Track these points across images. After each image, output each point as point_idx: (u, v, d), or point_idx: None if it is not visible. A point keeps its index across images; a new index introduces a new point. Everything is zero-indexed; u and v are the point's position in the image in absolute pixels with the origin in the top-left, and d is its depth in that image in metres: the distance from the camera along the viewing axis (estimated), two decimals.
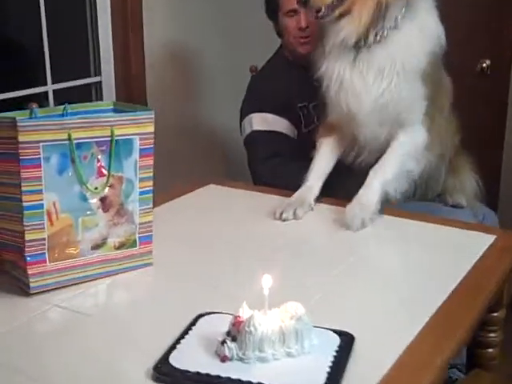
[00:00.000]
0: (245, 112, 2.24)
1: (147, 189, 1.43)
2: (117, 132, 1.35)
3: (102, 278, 1.39)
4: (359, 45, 1.71)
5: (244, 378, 1.02)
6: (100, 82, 2.62)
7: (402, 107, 1.76)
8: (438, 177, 2.07)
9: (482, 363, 1.59)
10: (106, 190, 1.36)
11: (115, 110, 1.48)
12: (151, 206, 1.45)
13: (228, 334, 1.07)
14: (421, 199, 2.07)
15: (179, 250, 1.56)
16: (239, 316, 1.07)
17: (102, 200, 1.36)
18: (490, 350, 1.57)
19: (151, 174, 1.43)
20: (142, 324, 1.23)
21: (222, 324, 1.11)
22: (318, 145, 1.92)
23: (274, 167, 2.12)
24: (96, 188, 1.35)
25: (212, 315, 1.21)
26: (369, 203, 1.71)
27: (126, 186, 1.39)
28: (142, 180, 1.41)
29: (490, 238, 1.62)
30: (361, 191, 1.74)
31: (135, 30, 2.59)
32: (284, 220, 1.73)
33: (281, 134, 2.17)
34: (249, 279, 1.23)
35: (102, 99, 2.59)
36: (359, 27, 1.68)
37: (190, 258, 1.51)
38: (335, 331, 1.15)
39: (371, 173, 1.76)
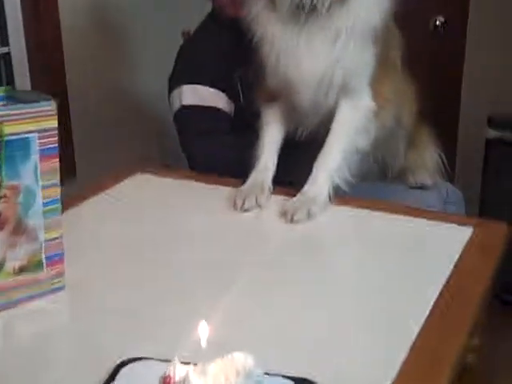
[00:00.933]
0: (173, 84, 1.94)
1: (53, 198, 1.14)
2: (8, 130, 1.06)
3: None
4: (317, 7, 1.46)
5: None
6: (8, 54, 2.28)
7: (350, 73, 1.54)
8: (396, 151, 1.86)
9: None
10: None
11: (8, 99, 1.18)
12: (59, 217, 1.16)
13: None
14: (380, 179, 1.86)
15: (100, 266, 1.29)
16: (169, 376, 0.81)
17: None
18: None
19: (57, 180, 1.15)
20: (47, 374, 0.97)
21: (149, 376, 0.85)
22: (262, 116, 1.69)
23: (208, 147, 1.85)
24: None
25: (136, 363, 0.94)
26: (316, 195, 1.51)
27: (24, 196, 1.10)
28: (45, 188, 1.13)
29: (466, 232, 1.40)
30: (306, 187, 1.53)
31: None
32: (246, 210, 1.51)
33: (215, 109, 1.89)
34: (186, 308, 1.05)
35: (12, 73, 2.26)
36: None
37: (114, 278, 1.24)
38: (293, 379, 0.90)
39: (315, 166, 1.56)
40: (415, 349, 1.01)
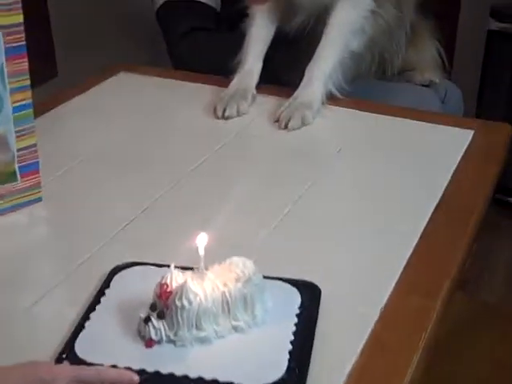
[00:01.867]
0: None
1: (24, 102, 1.04)
2: None
3: None
4: None
5: (178, 372, 0.73)
6: None
7: None
8: (397, 48, 1.73)
9: None
10: None
11: None
12: (32, 123, 1.07)
13: (153, 307, 0.77)
14: (378, 76, 1.75)
15: (82, 172, 1.21)
16: (166, 284, 0.76)
17: None
18: None
19: (28, 82, 1.04)
20: (34, 289, 0.91)
21: (146, 283, 0.80)
22: (250, 14, 1.55)
23: (194, 44, 1.73)
24: None
25: (132, 269, 0.90)
26: (310, 100, 1.42)
27: None
28: (14, 91, 1.02)
29: (467, 135, 1.32)
30: (299, 90, 1.44)
31: None
32: (227, 118, 1.41)
33: (199, 3, 1.75)
34: (180, 215, 1.01)
35: None
36: None
37: (98, 185, 1.16)
38: (293, 283, 0.86)
39: (307, 70, 1.45)
40: (416, 250, 0.97)
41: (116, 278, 0.89)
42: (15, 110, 1.04)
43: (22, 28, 1.00)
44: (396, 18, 1.61)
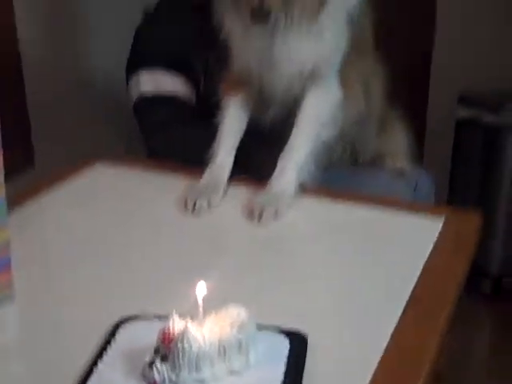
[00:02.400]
0: (131, 69, 1.85)
1: None
2: None
3: None
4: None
5: None
6: None
7: (322, 59, 1.48)
8: (368, 137, 1.78)
9: None
10: None
11: None
12: (5, 220, 1.07)
13: (156, 352, 0.86)
14: (350, 165, 1.79)
15: (56, 269, 1.21)
16: (168, 330, 0.85)
17: None
18: None
19: (1, 178, 1.05)
20: None
21: (147, 334, 0.89)
22: (222, 106, 1.59)
23: (169, 137, 1.76)
24: None
25: (135, 321, 0.98)
26: (282, 192, 1.44)
27: None
28: None
29: (438, 222, 1.35)
30: (271, 182, 1.46)
31: None
32: (198, 211, 1.41)
33: (175, 97, 1.81)
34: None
35: None
36: (312, 12, 1.38)
37: (72, 281, 1.16)
38: (282, 331, 0.95)
39: (279, 162, 1.48)
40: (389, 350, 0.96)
41: (122, 328, 0.97)
42: None
43: None
44: (365, 108, 1.66)
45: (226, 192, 1.48)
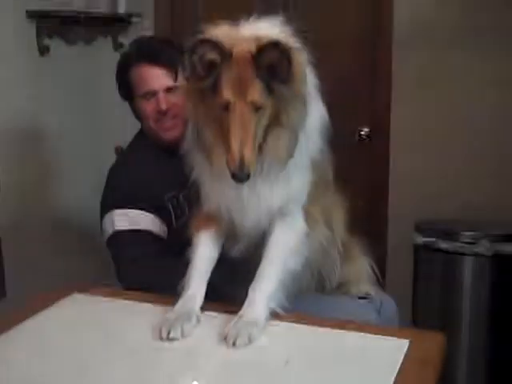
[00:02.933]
0: (104, 209, 1.94)
1: None
2: None
3: None
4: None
5: None
6: None
7: (288, 200, 1.58)
8: (333, 264, 1.86)
9: None
10: None
11: None
12: None
13: None
14: (319, 291, 1.86)
15: None
16: None
17: None
18: None
19: None
20: None
21: None
22: (194, 241, 1.65)
23: (142, 273, 1.82)
24: None
25: None
26: (254, 319, 1.49)
27: None
28: None
29: (403, 345, 1.41)
30: (243, 310, 1.51)
31: None
32: (171, 339, 1.44)
33: (147, 233, 1.89)
34: None
35: None
36: (280, 162, 1.48)
37: None
38: None
39: (250, 291, 1.53)
40: None
41: None
42: None
43: None
44: (328, 237, 1.75)
45: (199, 320, 1.52)
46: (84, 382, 1.27)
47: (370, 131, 3.08)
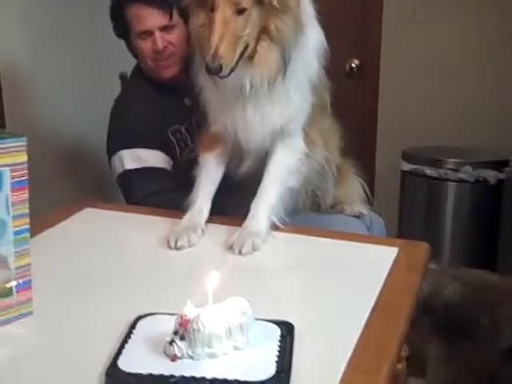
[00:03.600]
0: (112, 148, 2.01)
1: (23, 227, 1.22)
2: None
3: None
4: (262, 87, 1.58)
5: (197, 375, 1.02)
6: None
7: (290, 120, 1.67)
8: (327, 186, 1.99)
9: None
10: None
11: None
12: (28, 246, 1.24)
13: (175, 333, 1.07)
14: (314, 210, 1.99)
15: (64, 291, 1.36)
16: (185, 315, 1.06)
17: None
18: None
19: (27, 210, 1.22)
20: None
21: (162, 325, 1.12)
22: (200, 161, 1.77)
23: (155, 205, 1.89)
24: None
25: (151, 317, 1.19)
26: (257, 230, 1.61)
27: None
28: (16, 218, 1.20)
29: (393, 251, 1.56)
30: (247, 222, 1.63)
31: None
32: (179, 248, 1.57)
33: (156, 169, 1.98)
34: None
35: None
36: (270, 76, 1.56)
37: (79, 301, 1.32)
38: (274, 321, 1.17)
39: (253, 205, 1.65)
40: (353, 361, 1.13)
41: (140, 323, 1.17)
42: (15, 233, 1.21)
43: (25, 165, 1.20)
44: (326, 159, 1.87)
45: (203, 233, 1.65)
46: (97, 287, 1.39)
47: (360, 64, 3.17)
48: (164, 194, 1.94)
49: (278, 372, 1.03)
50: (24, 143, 1.19)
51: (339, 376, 1.06)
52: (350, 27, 3.13)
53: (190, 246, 1.58)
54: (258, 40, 1.52)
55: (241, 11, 1.47)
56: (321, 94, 1.78)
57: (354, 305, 1.31)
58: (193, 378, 1.01)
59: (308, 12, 1.61)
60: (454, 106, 3.08)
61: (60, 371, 1.08)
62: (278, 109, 1.63)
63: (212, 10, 1.49)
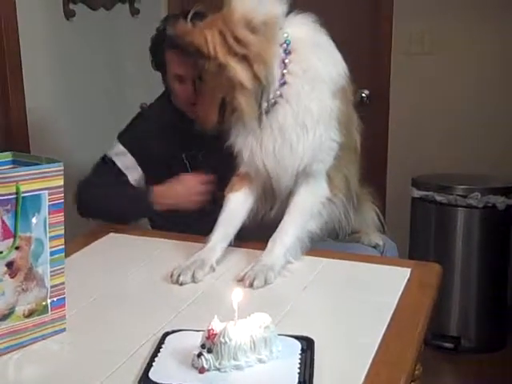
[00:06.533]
0: (120, 137, 2.07)
1: (59, 248, 1.30)
2: (23, 188, 1.21)
3: (9, 352, 1.24)
4: (260, 117, 1.64)
5: None
6: None
7: (315, 156, 1.68)
8: (347, 218, 1.96)
9: None
10: (13, 253, 1.22)
11: (15, 163, 1.34)
12: (63, 265, 1.32)
13: (203, 346, 1.13)
14: (332, 238, 2.01)
15: (93, 309, 1.44)
16: (212, 329, 1.13)
17: (9, 265, 1.22)
18: None
19: (62, 232, 1.30)
20: None
21: (189, 340, 1.19)
22: (225, 200, 1.78)
23: (94, 194, 1.95)
24: (1, 252, 1.20)
25: (178, 333, 1.27)
26: (272, 264, 1.61)
27: (35, 246, 1.25)
28: (52, 239, 1.28)
29: (406, 272, 1.62)
30: (262, 256, 1.63)
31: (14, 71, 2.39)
32: (181, 284, 1.56)
33: (124, 177, 2.02)
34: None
35: None
36: (250, 113, 1.62)
37: (107, 319, 1.40)
38: (295, 337, 1.24)
39: (270, 241, 1.66)
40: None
41: (167, 338, 1.25)
42: (52, 253, 1.28)
43: (62, 189, 1.28)
44: (346, 197, 1.86)
45: (214, 269, 1.63)
46: (124, 306, 1.47)
47: (370, 93, 3.26)
48: (109, 187, 1.96)
49: (299, 382, 1.10)
50: (61, 168, 1.27)
51: None
52: (361, 58, 3.21)
53: (194, 282, 1.57)
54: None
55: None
56: (350, 134, 1.78)
57: (370, 322, 1.38)
58: None
59: (303, 46, 1.64)
60: (463, 134, 3.16)
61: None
62: (304, 141, 1.65)
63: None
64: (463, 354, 2.93)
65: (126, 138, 2.05)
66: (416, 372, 1.56)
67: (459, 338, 2.96)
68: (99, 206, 1.94)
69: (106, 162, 2.02)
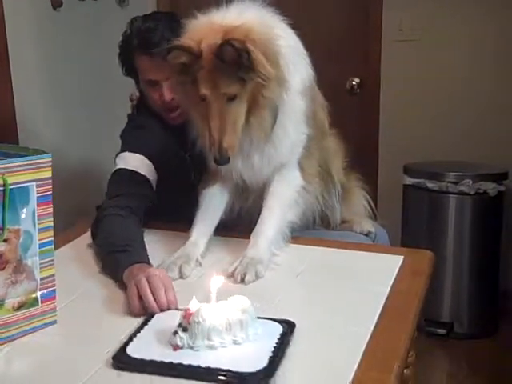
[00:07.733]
0: (120, 152, 1.95)
1: (48, 240, 1.29)
2: (10, 180, 1.20)
3: None
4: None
5: (194, 363, 1.13)
6: None
7: (286, 152, 1.69)
8: (333, 205, 1.99)
9: None
10: (1, 245, 1.21)
11: (1, 154, 1.32)
12: (53, 258, 1.31)
13: (180, 325, 1.18)
14: (324, 227, 2.01)
15: (83, 301, 1.43)
16: (189, 309, 1.17)
17: None
18: None
19: (51, 224, 1.29)
20: None
21: (174, 319, 1.21)
22: (200, 196, 1.77)
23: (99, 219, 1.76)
24: None
25: (166, 312, 1.32)
26: (259, 257, 1.59)
27: (23, 239, 1.24)
28: (41, 231, 1.27)
29: (398, 259, 1.63)
30: (248, 250, 1.61)
31: (1, 62, 2.37)
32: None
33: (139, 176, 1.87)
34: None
35: None
36: (266, 135, 1.60)
37: (98, 310, 1.39)
38: (277, 320, 1.27)
39: (252, 235, 1.65)
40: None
41: (157, 315, 1.31)
42: (41, 245, 1.27)
43: (50, 181, 1.27)
44: (326, 188, 1.88)
45: (200, 264, 1.62)
46: (113, 293, 1.47)
47: (361, 81, 3.25)
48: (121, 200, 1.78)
49: (268, 364, 1.12)
50: (49, 159, 1.26)
51: (351, 375, 1.12)
52: (350, 46, 3.21)
53: (182, 278, 1.55)
54: (248, 111, 1.54)
55: (232, 98, 1.50)
56: (317, 123, 1.78)
57: (363, 309, 1.38)
58: (189, 365, 1.12)
59: (290, 56, 1.59)
60: (454, 121, 3.15)
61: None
62: (277, 147, 1.65)
63: (203, 100, 1.51)
64: (456, 340, 2.94)
65: (125, 146, 1.95)
66: (409, 359, 1.56)
67: (452, 324, 2.97)
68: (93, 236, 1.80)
69: (114, 174, 1.90)
